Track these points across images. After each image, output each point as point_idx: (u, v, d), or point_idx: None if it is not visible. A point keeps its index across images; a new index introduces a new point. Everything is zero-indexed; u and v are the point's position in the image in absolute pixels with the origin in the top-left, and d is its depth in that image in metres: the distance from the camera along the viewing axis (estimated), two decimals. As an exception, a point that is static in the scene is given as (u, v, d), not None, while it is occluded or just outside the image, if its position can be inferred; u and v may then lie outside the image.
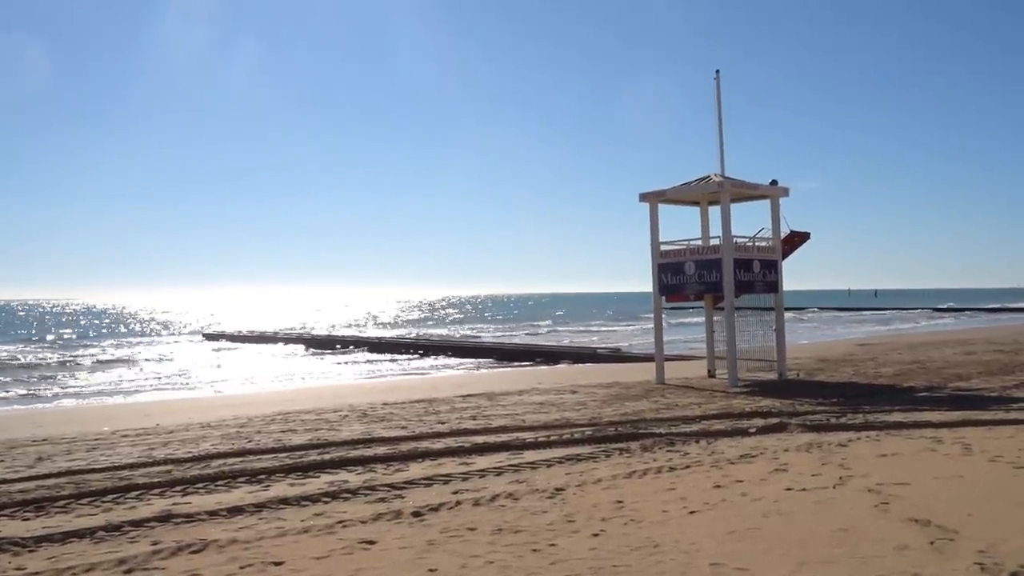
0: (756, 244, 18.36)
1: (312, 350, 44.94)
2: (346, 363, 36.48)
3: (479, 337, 54.83)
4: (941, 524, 6.27)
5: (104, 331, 78.17)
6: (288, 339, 51.66)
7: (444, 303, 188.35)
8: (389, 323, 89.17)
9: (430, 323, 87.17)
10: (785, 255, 18.99)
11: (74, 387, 28.36)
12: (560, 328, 68.43)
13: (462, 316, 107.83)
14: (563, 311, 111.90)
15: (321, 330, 65.14)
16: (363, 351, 43.15)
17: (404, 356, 39.60)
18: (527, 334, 59.66)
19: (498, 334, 60.36)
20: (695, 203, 19.87)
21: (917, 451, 9.32)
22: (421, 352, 40.86)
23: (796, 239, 19.17)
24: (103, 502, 7.71)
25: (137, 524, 6.87)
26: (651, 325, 20.83)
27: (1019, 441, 9.66)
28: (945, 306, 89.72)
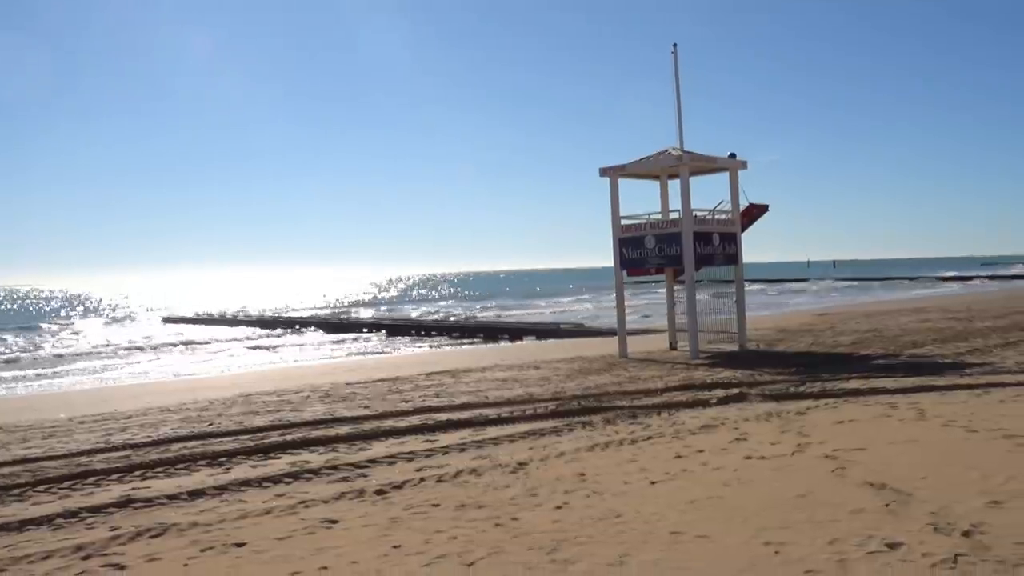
0: (715, 217, 18.48)
1: (272, 331, 44.58)
2: (308, 344, 36.24)
3: (443, 315, 54.73)
4: (896, 487, 6.39)
5: (62, 316, 76.85)
6: (250, 322, 51.17)
7: (407, 282, 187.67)
8: (353, 302, 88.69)
9: (395, 302, 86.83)
10: (744, 227, 19.14)
11: (30, 373, 27.86)
12: (523, 304, 68.52)
13: (426, 294, 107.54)
14: (527, 287, 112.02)
15: (283, 311, 64.62)
16: (326, 331, 42.90)
17: (367, 335, 39.44)
18: (491, 311, 59.68)
19: (462, 311, 60.29)
20: (655, 177, 19.93)
21: (873, 417, 9.49)
22: (384, 331, 40.72)
23: (755, 211, 19.33)
24: (60, 489, 7.60)
25: (95, 510, 6.78)
26: (614, 299, 20.92)
27: (971, 406, 9.86)
28: (899, 276, 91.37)
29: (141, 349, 36.23)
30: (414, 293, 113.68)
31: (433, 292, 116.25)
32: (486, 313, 55.92)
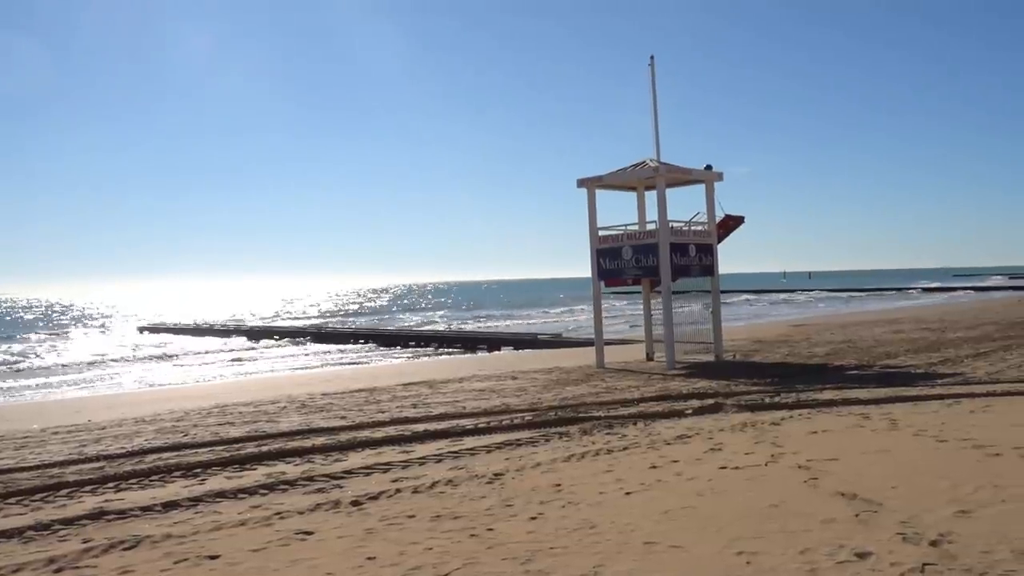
0: (692, 228, 18.62)
1: (251, 341, 44.33)
2: (286, 355, 36.07)
3: (421, 325, 54.64)
4: (867, 497, 6.47)
5: (39, 325, 75.98)
6: (226, 331, 50.86)
7: (388, 291, 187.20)
8: (333, 312, 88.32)
9: (372, 312, 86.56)
10: (720, 239, 19.28)
11: (1, 385, 27.54)
12: (501, 315, 68.55)
13: (407, 304, 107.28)
14: (505, 298, 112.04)
15: (263, 321, 64.28)
16: (305, 341, 42.71)
17: (345, 345, 39.31)
18: (469, 321, 59.65)
19: (441, 322, 60.21)
20: (632, 188, 20.05)
21: (846, 427, 9.59)
22: (362, 342, 40.61)
23: (731, 223, 19.48)
24: (32, 501, 7.52)
25: (68, 522, 6.72)
26: (591, 311, 20.99)
27: (943, 416, 9.99)
28: (874, 287, 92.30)
29: (116, 361, 35.91)
30: (396, 303, 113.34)
31: (421, 301, 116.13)
32: (471, 323, 55.91)
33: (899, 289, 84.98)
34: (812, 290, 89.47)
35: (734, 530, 5.82)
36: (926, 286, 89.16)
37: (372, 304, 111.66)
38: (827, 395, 12.18)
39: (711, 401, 11.98)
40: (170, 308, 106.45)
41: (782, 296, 79.49)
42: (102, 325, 73.55)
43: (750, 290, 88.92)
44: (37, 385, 26.91)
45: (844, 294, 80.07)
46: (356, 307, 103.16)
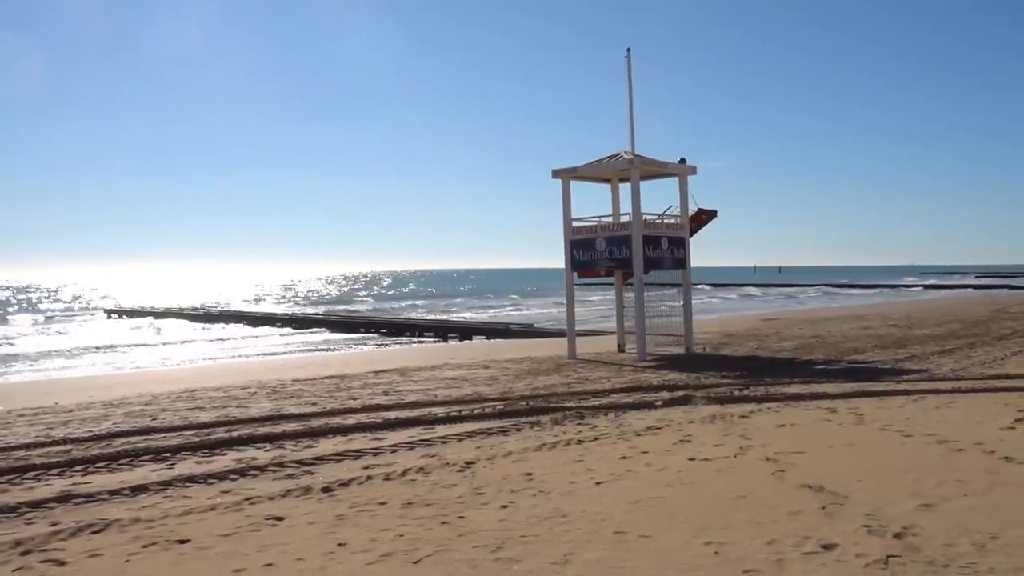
0: (665, 221, 18.71)
1: (221, 326, 43.98)
2: (256, 338, 35.83)
3: (394, 312, 54.50)
4: (833, 490, 6.57)
5: (16, 308, 74.87)
6: (195, 316, 50.43)
7: (361, 278, 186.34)
8: (305, 298, 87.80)
9: (346, 299, 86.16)
10: (693, 232, 19.40)
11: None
12: (474, 303, 68.53)
13: (378, 291, 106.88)
14: (478, 286, 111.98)
15: (239, 305, 63.78)
16: (275, 327, 42.45)
17: (315, 332, 39.13)
18: (441, 310, 59.59)
19: (413, 310, 60.09)
20: (606, 180, 20.12)
21: (813, 421, 9.72)
22: (333, 328, 40.43)
23: (703, 216, 19.60)
24: (-2, 483, 7.44)
25: (35, 505, 6.66)
26: (563, 301, 21.06)
27: (908, 411, 10.15)
28: (843, 282, 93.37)
29: (95, 347, 35.54)
30: (371, 291, 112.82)
31: (397, 289, 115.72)
32: (445, 312, 55.81)
33: (868, 285, 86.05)
34: (782, 285, 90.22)
35: (702, 520, 5.90)
36: (896, 283, 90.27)
37: (346, 291, 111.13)
38: (795, 389, 12.32)
39: (681, 393, 12.07)
40: (144, 291, 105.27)
41: (751, 290, 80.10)
42: (69, 307, 72.60)
43: (720, 284, 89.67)
44: (6, 367, 26.55)
45: (813, 288, 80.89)
46: (330, 294, 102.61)
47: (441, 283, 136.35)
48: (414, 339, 34.36)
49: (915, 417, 9.72)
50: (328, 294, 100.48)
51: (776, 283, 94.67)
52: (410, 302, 74.69)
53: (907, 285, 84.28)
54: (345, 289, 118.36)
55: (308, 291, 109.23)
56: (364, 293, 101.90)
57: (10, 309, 70.46)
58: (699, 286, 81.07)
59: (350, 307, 66.11)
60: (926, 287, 77.81)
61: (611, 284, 21.37)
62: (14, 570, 5.23)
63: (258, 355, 27.65)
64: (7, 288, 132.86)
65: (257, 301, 77.33)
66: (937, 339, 20.54)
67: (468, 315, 50.49)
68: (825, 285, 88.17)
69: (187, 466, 8.03)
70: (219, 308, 57.80)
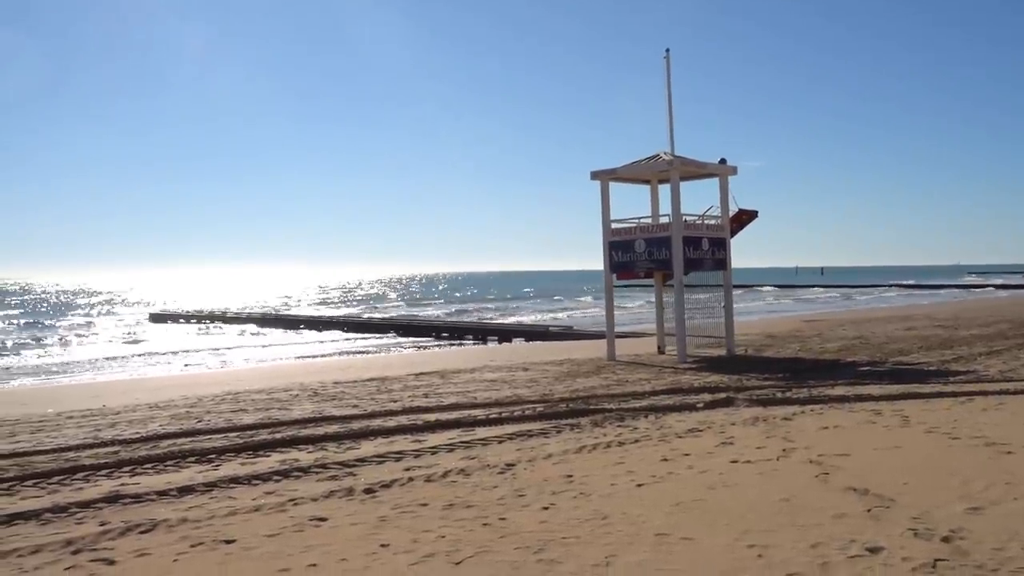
0: (705, 222, 18.59)
1: (264, 329, 44.51)
2: (298, 342, 36.21)
3: (433, 315, 54.71)
4: (878, 493, 6.48)
5: (50, 311, 76.49)
6: (239, 319, 51.07)
7: (401, 281, 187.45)
8: (345, 301, 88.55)
9: (385, 302, 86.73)
10: (733, 233, 19.25)
11: (18, 368, 27.77)
12: (513, 306, 68.57)
13: (417, 295, 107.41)
14: (517, 289, 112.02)
15: (275, 309, 64.52)
16: (315, 330, 42.86)
17: (357, 335, 39.44)
18: (481, 312, 59.70)
19: (452, 312, 60.29)
20: (645, 181, 20.04)
21: (858, 423, 9.59)
22: (374, 331, 40.72)
23: (744, 217, 19.44)
24: (49, 484, 7.61)
25: (84, 505, 6.80)
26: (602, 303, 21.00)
27: (955, 413, 9.98)
28: (911, 283, 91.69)
29: (137, 346, 36.16)
30: (406, 294, 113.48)
31: (432, 291, 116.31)
32: (483, 314, 55.83)
33: (912, 285, 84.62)
34: (824, 286, 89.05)
35: (745, 523, 5.85)
36: (961, 283, 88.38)
37: (378, 294, 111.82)
38: (839, 391, 12.17)
39: (723, 395, 11.98)
40: (182, 295, 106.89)
41: (795, 291, 79.16)
42: (117, 314, 73.94)
43: (784, 285, 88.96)
44: (49, 370, 27.11)
45: (858, 289, 79.64)
46: (370, 295, 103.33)
47: (477, 286, 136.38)
48: (454, 342, 34.48)
49: (962, 419, 9.55)
50: (364, 296, 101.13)
51: (843, 284, 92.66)
52: (447, 304, 74.87)
53: (975, 285, 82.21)
54: (384, 292, 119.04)
55: (343, 295, 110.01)
56: (402, 296, 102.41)
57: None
58: (764, 288, 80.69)
59: (381, 310, 66.51)
60: (997, 287, 75.64)
61: (651, 286, 21.27)
62: (65, 568, 5.35)
63: (304, 359, 27.94)
64: (51, 292, 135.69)
65: (324, 303, 78.20)
66: (984, 340, 20.16)
67: (507, 317, 50.51)
68: (896, 285, 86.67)
69: (232, 467, 8.14)
70: (265, 311, 58.46)
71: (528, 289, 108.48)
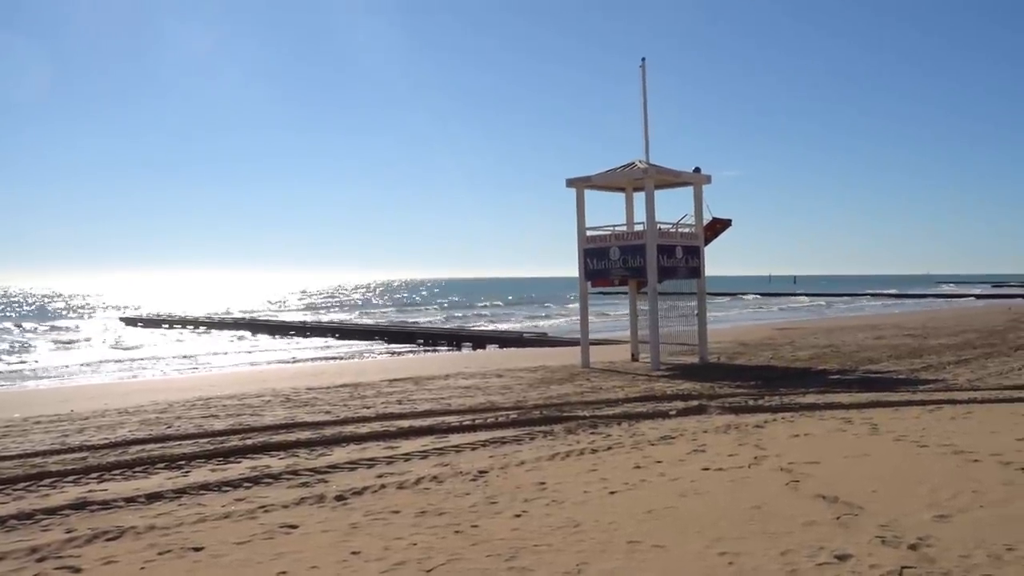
0: (679, 230, 18.69)
1: (235, 333, 44.17)
2: (271, 348, 35.97)
3: (407, 321, 54.55)
4: (847, 500, 6.53)
5: (19, 314, 75.43)
6: (211, 324, 50.66)
7: (378, 287, 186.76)
8: (321, 307, 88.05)
9: (358, 308, 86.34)
10: (707, 241, 19.38)
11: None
12: (490, 314, 68.52)
13: (391, 300, 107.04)
14: (506, 295, 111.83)
15: (252, 314, 64.03)
16: (289, 336, 42.60)
17: (330, 340, 39.23)
18: (456, 318, 59.61)
19: (426, 318, 60.15)
20: (621, 189, 20.12)
21: (828, 431, 9.67)
22: (347, 336, 40.53)
23: (718, 226, 19.58)
24: (14, 490, 7.50)
25: (50, 512, 6.71)
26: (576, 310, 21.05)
27: (923, 422, 10.09)
28: (893, 292, 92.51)
29: (110, 351, 35.77)
30: (386, 299, 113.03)
31: (412, 297, 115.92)
32: (459, 321, 55.71)
33: (882, 295, 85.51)
34: (797, 294, 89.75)
35: (716, 531, 5.88)
36: (910, 292, 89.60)
37: (361, 300, 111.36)
38: (810, 399, 12.27)
39: (695, 403, 12.04)
40: (159, 299, 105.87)
41: (777, 299, 79.66)
42: (87, 316, 73.08)
43: (767, 293, 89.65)
44: (15, 374, 26.74)
45: (826, 299, 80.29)
46: (344, 303, 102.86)
47: (452, 292, 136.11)
48: (428, 348, 34.41)
49: (931, 427, 9.66)
50: (340, 303, 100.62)
51: (817, 292, 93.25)
52: (424, 309, 74.66)
53: (951, 295, 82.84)
54: (360, 298, 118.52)
55: (323, 300, 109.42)
56: (381, 302, 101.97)
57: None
58: (747, 296, 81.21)
59: (358, 315, 66.18)
60: (977, 296, 76.39)
61: (625, 293, 21.34)
62: (30, 576, 5.27)
63: (277, 364, 27.74)
64: (44, 297, 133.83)
65: (264, 311, 77.53)
66: (953, 349, 20.41)
67: (482, 324, 50.44)
68: (870, 294, 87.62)
69: (202, 474, 8.07)
70: (242, 316, 58.01)
71: (510, 296, 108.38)
